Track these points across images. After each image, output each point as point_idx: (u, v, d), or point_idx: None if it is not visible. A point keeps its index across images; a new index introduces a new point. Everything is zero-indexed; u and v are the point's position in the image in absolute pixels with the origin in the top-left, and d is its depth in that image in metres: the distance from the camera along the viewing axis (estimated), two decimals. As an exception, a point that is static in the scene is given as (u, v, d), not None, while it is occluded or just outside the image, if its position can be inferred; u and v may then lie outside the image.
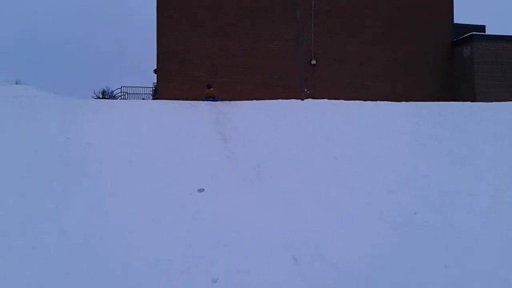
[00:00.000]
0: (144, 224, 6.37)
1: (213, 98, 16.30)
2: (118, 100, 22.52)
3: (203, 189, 7.51)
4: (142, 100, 22.37)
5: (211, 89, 17.33)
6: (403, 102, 13.69)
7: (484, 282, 5.21)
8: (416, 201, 7.33)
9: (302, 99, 14.56)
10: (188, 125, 10.69)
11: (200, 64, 20.34)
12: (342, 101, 13.44)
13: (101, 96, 36.83)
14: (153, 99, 27.00)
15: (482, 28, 24.43)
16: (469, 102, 15.62)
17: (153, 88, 27.89)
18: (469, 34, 21.22)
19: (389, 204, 7.21)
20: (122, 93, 28.28)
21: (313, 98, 14.81)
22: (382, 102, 13.50)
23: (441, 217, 6.80)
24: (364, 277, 5.31)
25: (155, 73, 21.10)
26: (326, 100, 13.55)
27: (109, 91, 36.59)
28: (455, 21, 22.56)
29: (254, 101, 13.37)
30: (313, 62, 20.99)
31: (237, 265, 5.46)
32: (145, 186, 7.54)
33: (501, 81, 20.36)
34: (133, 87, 28.51)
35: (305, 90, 16.96)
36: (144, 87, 29.21)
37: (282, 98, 13.85)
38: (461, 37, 21.52)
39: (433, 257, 5.74)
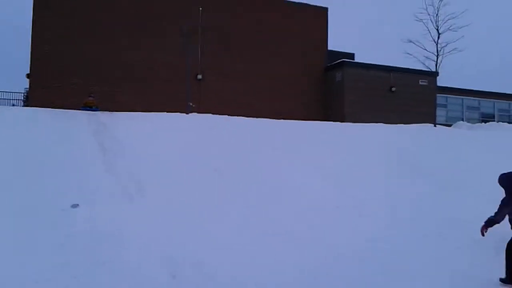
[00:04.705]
0: (9, 242, 5.82)
1: (91, 108, 15.37)
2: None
3: (78, 205, 7.12)
4: (11, 107, 20.21)
5: (91, 98, 16.35)
6: (281, 120, 14.58)
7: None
8: (290, 213, 7.89)
9: (187, 113, 14.64)
10: (63, 135, 10.02)
11: (77, 70, 19.03)
12: (226, 116, 13.83)
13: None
14: (24, 106, 24.61)
15: (351, 55, 27.13)
16: (338, 122, 17.25)
17: (25, 94, 25.45)
18: (340, 60, 23.40)
19: (266, 215, 7.64)
20: (-15, 98, 25.28)
21: (198, 112, 14.99)
22: (263, 119, 14.21)
23: (312, 230, 7.41)
24: None
25: (27, 77, 19.36)
26: (211, 114, 13.83)
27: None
28: (330, 48, 24.75)
29: (137, 112, 13.05)
30: (199, 77, 21.17)
31: (114, 286, 5.27)
32: (12, 201, 6.89)
33: (365, 103, 22.66)
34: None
35: (191, 103, 17.01)
36: (14, 92, 26.52)
37: (167, 111, 13.74)
38: (333, 63, 23.65)
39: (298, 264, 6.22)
